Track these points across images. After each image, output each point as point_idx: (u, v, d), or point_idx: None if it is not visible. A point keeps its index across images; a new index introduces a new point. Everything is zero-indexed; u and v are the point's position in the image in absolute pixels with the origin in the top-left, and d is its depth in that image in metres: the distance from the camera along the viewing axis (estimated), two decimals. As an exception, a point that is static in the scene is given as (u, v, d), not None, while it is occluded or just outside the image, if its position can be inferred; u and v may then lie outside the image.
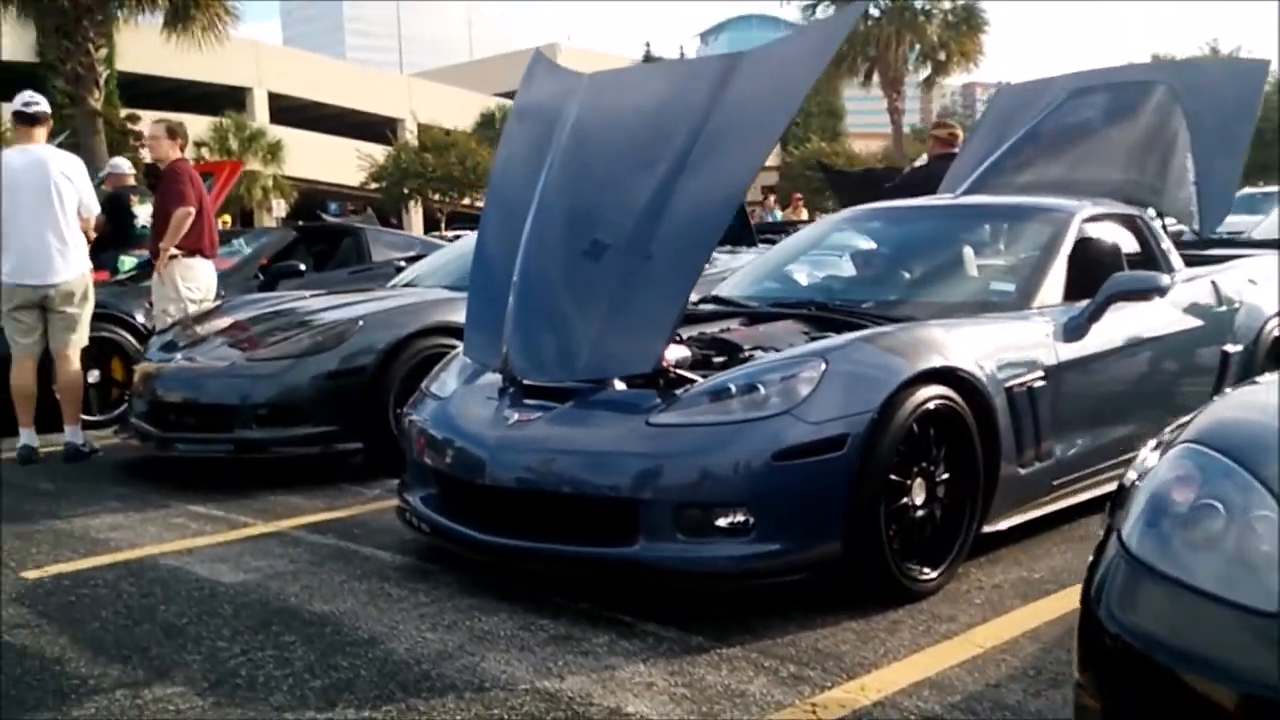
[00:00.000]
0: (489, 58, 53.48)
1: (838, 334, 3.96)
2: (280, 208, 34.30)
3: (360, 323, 5.39)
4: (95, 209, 6.29)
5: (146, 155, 10.42)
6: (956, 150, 7.43)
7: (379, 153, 37.45)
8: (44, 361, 6.17)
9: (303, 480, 5.28)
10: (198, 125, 34.11)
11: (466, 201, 36.76)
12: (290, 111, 40.54)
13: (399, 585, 3.78)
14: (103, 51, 14.73)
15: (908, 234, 5.16)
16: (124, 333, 7.20)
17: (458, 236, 13.00)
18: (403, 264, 8.31)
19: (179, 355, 5.66)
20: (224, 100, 36.92)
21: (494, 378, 4.00)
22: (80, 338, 6.15)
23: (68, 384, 6.12)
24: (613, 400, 3.60)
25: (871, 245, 5.22)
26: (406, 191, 35.93)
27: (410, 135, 40.18)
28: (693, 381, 3.59)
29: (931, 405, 3.49)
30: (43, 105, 6.35)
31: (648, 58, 51.85)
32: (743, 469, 3.26)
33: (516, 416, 3.64)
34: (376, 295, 6.17)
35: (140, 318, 7.36)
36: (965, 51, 37.15)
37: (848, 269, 5.41)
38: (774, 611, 3.38)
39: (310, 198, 34.92)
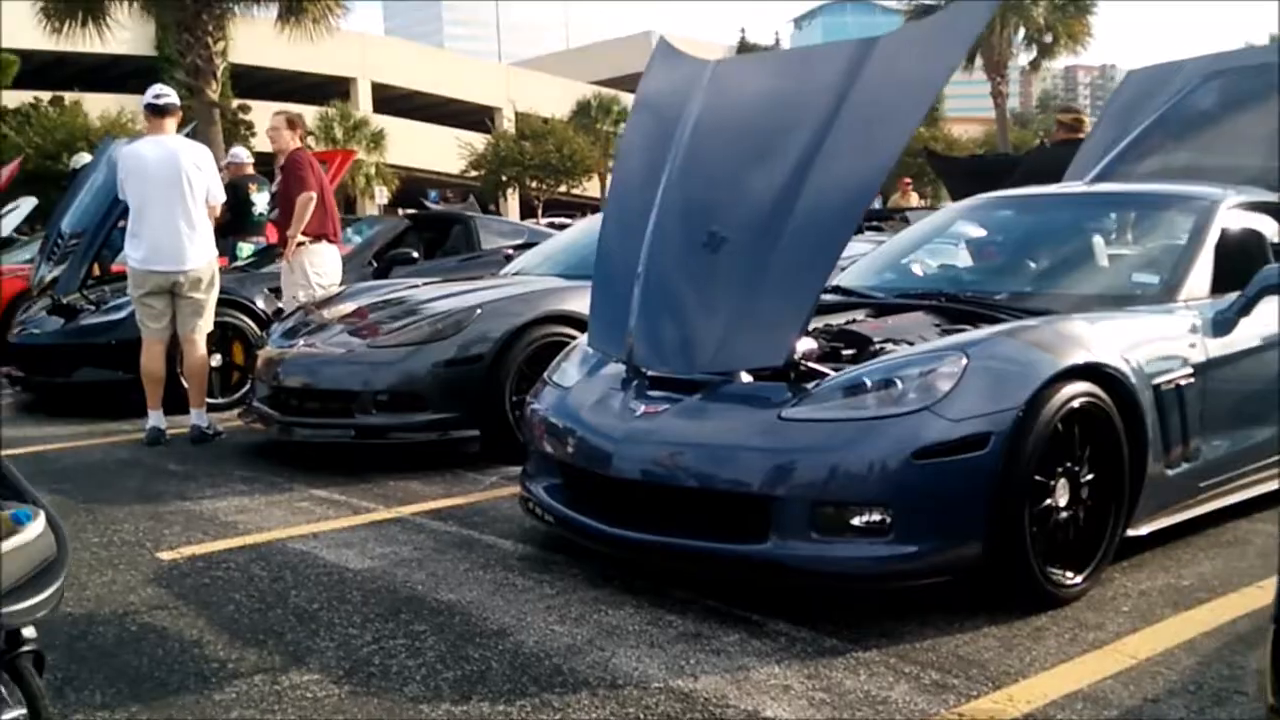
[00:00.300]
0: (585, 46, 53.66)
1: (971, 326, 3.83)
2: (382, 195, 34.93)
3: (478, 311, 5.41)
4: (222, 197, 6.44)
5: (256, 145, 10.68)
6: (1082, 136, 7.16)
7: (478, 141, 37.88)
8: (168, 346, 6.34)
9: (419, 466, 5.33)
10: (304, 115, 35.02)
11: (563, 189, 36.96)
12: (392, 101, 41.25)
13: (523, 575, 3.76)
14: (220, 45, 15.14)
15: (1041, 222, 4.97)
16: (245, 318, 7.37)
17: (557, 224, 13.05)
18: (511, 251, 8.34)
19: (300, 341, 5.75)
20: (329, 90, 37.73)
21: (617, 368, 3.96)
22: (206, 323, 6.30)
23: (194, 368, 6.27)
24: (742, 393, 3.52)
25: (1001, 234, 5.04)
26: (504, 179, 36.26)
27: (508, 123, 40.55)
28: (823, 375, 3.50)
29: (1077, 403, 3.34)
30: (172, 97, 6.51)
31: (743, 44, 51.40)
32: (880, 467, 3.16)
33: (643, 408, 3.59)
34: (492, 284, 6.19)
35: (260, 303, 7.52)
36: (1073, 34, 36.04)
37: (963, 258, 5.25)
38: (909, 614, 3.27)
39: (410, 185, 35.51)
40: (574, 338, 5.45)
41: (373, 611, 3.45)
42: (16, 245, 14.26)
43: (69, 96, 31.05)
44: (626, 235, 3.99)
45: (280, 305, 7.38)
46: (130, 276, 6.30)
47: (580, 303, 5.59)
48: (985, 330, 3.57)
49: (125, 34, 20.50)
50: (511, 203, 39.80)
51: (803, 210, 3.53)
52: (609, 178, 34.76)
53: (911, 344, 3.75)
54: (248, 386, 7.23)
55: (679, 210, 3.86)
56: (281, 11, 17.24)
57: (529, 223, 10.44)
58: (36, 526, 2.21)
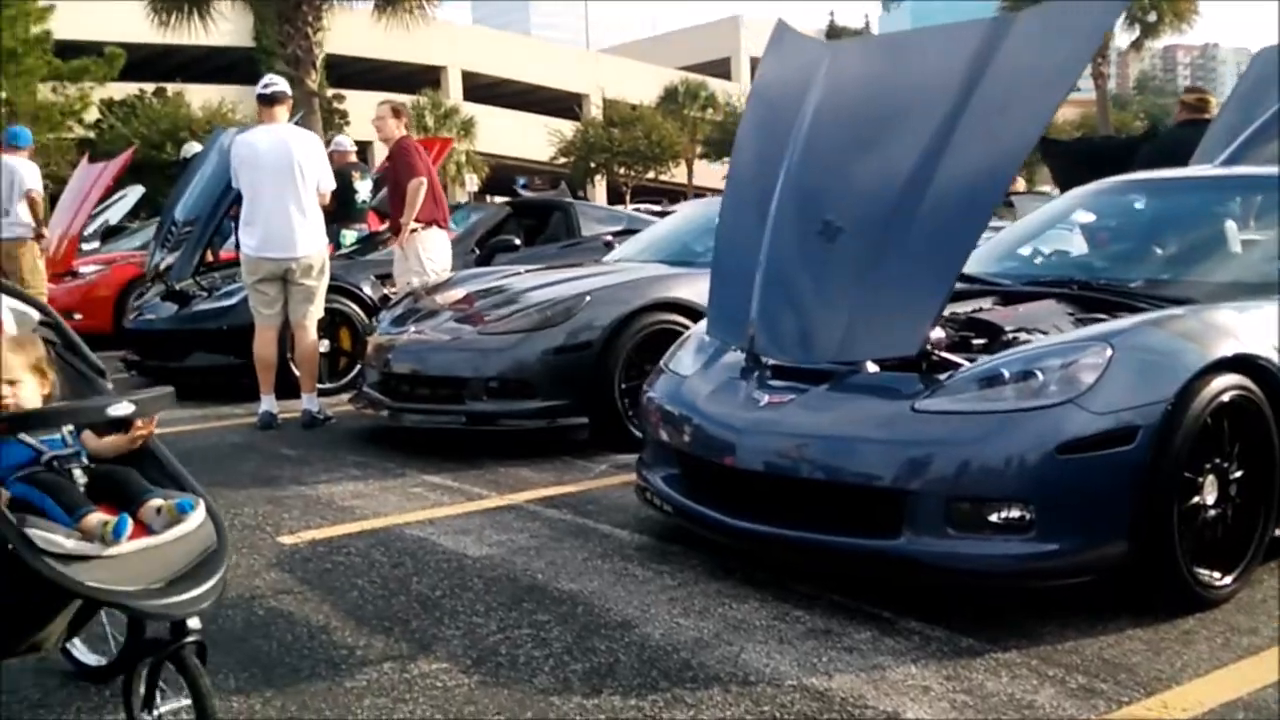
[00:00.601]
0: (671, 32, 53.45)
1: (1107, 315, 3.67)
2: (472, 183, 35.29)
3: (587, 298, 5.38)
4: (332, 185, 6.51)
5: (349, 134, 10.82)
6: (1207, 117, 6.86)
7: (567, 128, 38.03)
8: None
9: (527, 453, 5.33)
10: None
11: (650, 175, 36.91)
12: (481, 89, 41.60)
13: (643, 566, 3.72)
14: (320, 35, 15.41)
15: (1174, 207, 4.75)
16: (352, 304, 7.46)
17: (657, 211, 12.96)
18: (610, 238, 8.31)
19: (411, 328, 5.78)
20: (420, 79, 38.20)
21: (736, 357, 3.89)
22: (317, 309, 6.38)
23: (305, 354, 6.36)
24: (871, 384, 3.42)
25: (1131, 219, 4.84)
26: (593, 166, 36.35)
27: (595, 110, 40.61)
28: (955, 366, 3.38)
29: (1227, 397, 3.18)
30: (280, 86, 6.59)
31: (831, 28, 50.67)
32: (1021, 462, 3.04)
33: (767, 398, 3.51)
34: (598, 270, 6.16)
35: (367, 290, 7.61)
36: (1178, 12, 34.77)
37: (1078, 243, 5.06)
38: (1046, 614, 3.15)
39: (499, 173, 35.80)
40: (683, 325, 5.41)
41: (495, 600, 3.44)
42: (126, 233, 14.71)
43: (171, 88, 31.93)
44: (746, 223, 3.90)
45: (386, 291, 7.46)
46: (243, 263, 6.42)
47: (688, 289, 5.55)
48: (1129, 320, 3.42)
49: (225, 26, 20.96)
50: (599, 189, 39.89)
51: (934, 197, 3.41)
52: (695, 164, 34.33)
53: (1045, 334, 3.61)
54: (355, 372, 7.34)
55: (801, 197, 3.76)
56: (379, 1, 17.49)
57: (627, 209, 10.40)
58: (198, 516, 2.22)
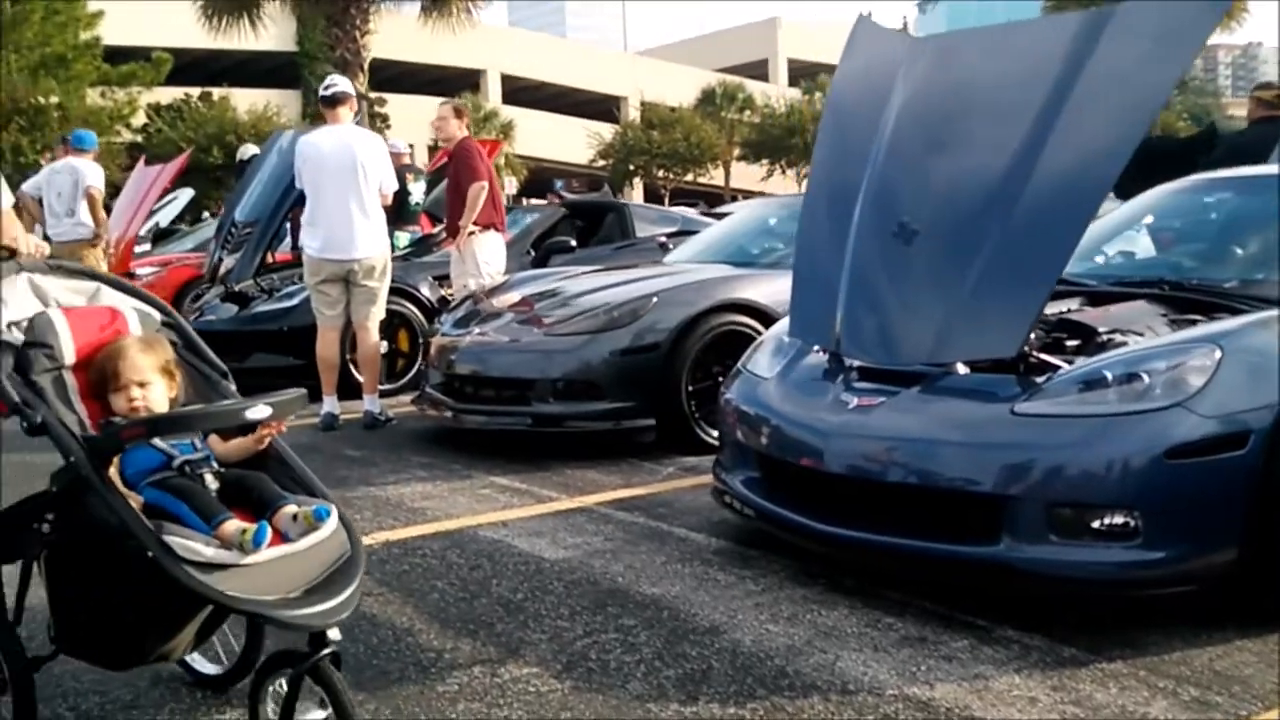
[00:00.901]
0: (709, 34, 53.31)
1: (1202, 316, 3.56)
2: (511, 185, 35.35)
3: (654, 299, 5.32)
4: (394, 187, 6.50)
5: (388, 137, 10.84)
6: (1281, 114, 6.69)
7: (606, 130, 38.04)
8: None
9: (592, 454, 5.28)
10: (435, 107, 35.65)
11: (689, 178, 36.81)
12: (520, 92, 41.71)
13: (724, 571, 3.66)
14: (367, 38, 15.49)
15: (1264, 205, 4.62)
16: (410, 306, 7.44)
17: (713, 213, 12.86)
18: (664, 239, 8.25)
19: (474, 329, 5.75)
20: (459, 82, 38.34)
21: (818, 359, 3.82)
22: (379, 310, 6.37)
23: (367, 355, 6.36)
24: (966, 387, 3.34)
25: (1216, 217, 4.71)
26: (632, 168, 36.32)
27: (634, 112, 40.60)
28: (1052, 368, 3.29)
29: (1341, 400, 3.06)
30: (342, 85, 6.58)
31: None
32: (1126, 467, 2.95)
33: (856, 401, 3.44)
34: (662, 271, 6.10)
35: (425, 291, 7.60)
36: (1230, 11, 34.16)
37: (1145, 244, 4.94)
38: (1147, 623, 3.05)
39: (538, 175, 35.84)
40: (750, 326, 5.36)
41: (578, 604, 3.39)
42: (177, 235, 14.84)
43: (217, 92, 32.25)
44: (829, 223, 3.83)
45: (444, 293, 7.44)
46: (306, 265, 6.42)
47: (754, 290, 5.49)
48: (1234, 321, 3.31)
49: (268, 30, 21.13)
50: (636, 192, 39.88)
51: (1032, 196, 3.32)
52: (733, 166, 34.04)
53: (1140, 335, 3.52)
54: (413, 373, 7.34)
55: (888, 196, 3.68)
56: (425, 5, 17.55)
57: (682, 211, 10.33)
58: (332, 523, 2.18)
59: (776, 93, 41.12)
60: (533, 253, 8.25)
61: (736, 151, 38.14)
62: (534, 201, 20.80)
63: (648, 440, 5.34)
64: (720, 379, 5.31)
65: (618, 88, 43.95)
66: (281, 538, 2.12)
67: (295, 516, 2.17)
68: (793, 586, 3.49)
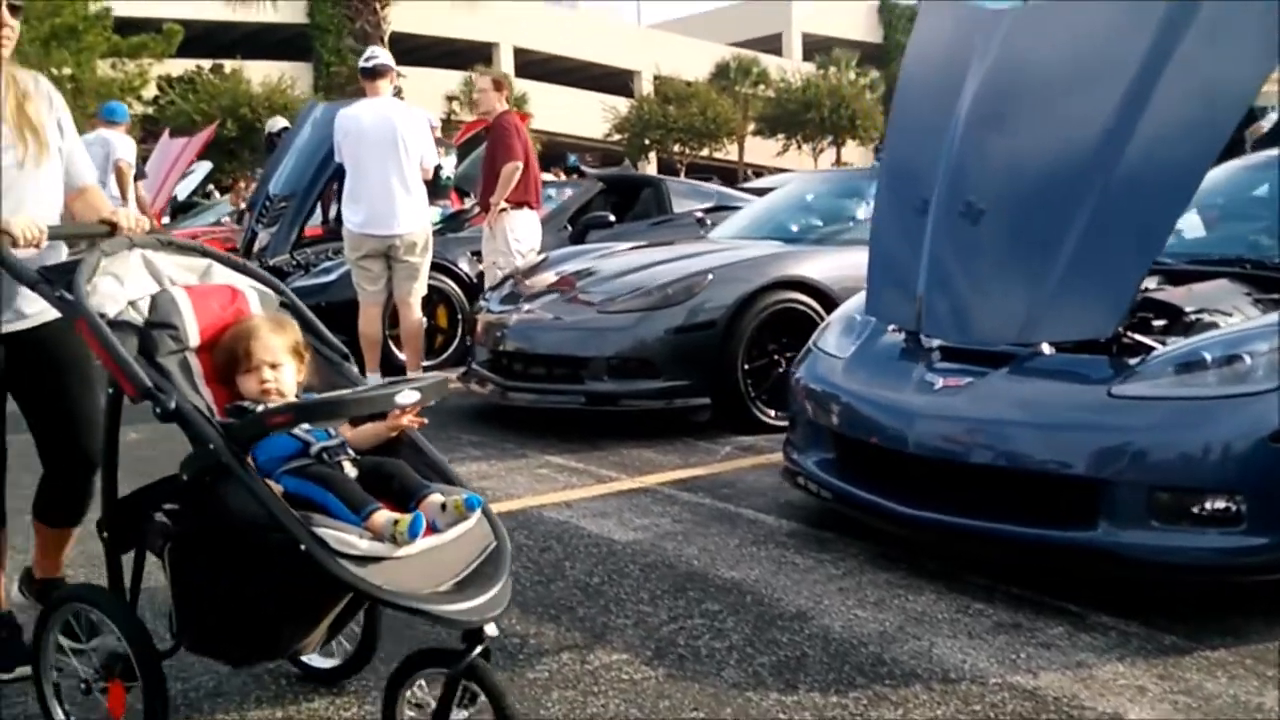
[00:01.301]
0: (723, 7, 52.73)
1: (1289, 296, 3.48)
2: (524, 160, 35.07)
3: (709, 276, 5.23)
4: (434, 161, 6.41)
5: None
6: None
7: (622, 105, 37.76)
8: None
9: (643, 433, 5.21)
10: (450, 80, 35.40)
11: (705, 153, 36.53)
12: (533, 65, 41.36)
13: (801, 554, 3.60)
14: (387, 10, 15.34)
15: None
16: (449, 281, 7.36)
17: (752, 189, 12.72)
18: (701, 215, 8.14)
19: (523, 306, 5.67)
20: (472, 56, 38.02)
21: (896, 338, 3.74)
22: (421, 286, 6.30)
23: (411, 331, 6.29)
24: (1056, 368, 3.26)
25: (1257, 194, 4.61)
26: (647, 142, 36.04)
27: (647, 85, 40.29)
28: (1145, 348, 3.21)
29: None
30: (382, 58, 6.48)
31: (884, 3, 49.72)
32: (1229, 451, 2.88)
33: (942, 382, 3.36)
34: (711, 248, 6.00)
35: (464, 266, 7.51)
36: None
37: (1193, 222, 4.83)
38: (1244, 610, 2.99)
39: (552, 149, 35.59)
40: (806, 304, 5.28)
41: (657, 587, 3.33)
42: (197, 210, 14.76)
43: (229, 64, 32.02)
44: (908, 199, 3.74)
45: (482, 268, 7.36)
46: (346, 240, 6.34)
47: (809, 267, 5.41)
48: (1337, 300, 3.23)
49: (281, 2, 20.92)
50: (651, 167, 39.63)
51: (1128, 172, 3.22)
52: (747, 141, 33.52)
53: (1227, 314, 3.43)
54: (453, 349, 7.27)
55: (972, 170, 3.58)
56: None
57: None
58: (477, 512, 2.10)
59: (792, 67, 40.70)
60: (569, 228, 8.15)
61: (751, 126, 37.82)
62: (544, 177, 20.64)
63: (701, 419, 5.27)
64: (776, 357, 5.26)
65: (631, 61, 43.56)
66: (430, 528, 2.03)
67: (444, 506, 2.07)
68: (874, 570, 3.42)
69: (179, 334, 2.28)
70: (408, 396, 2.06)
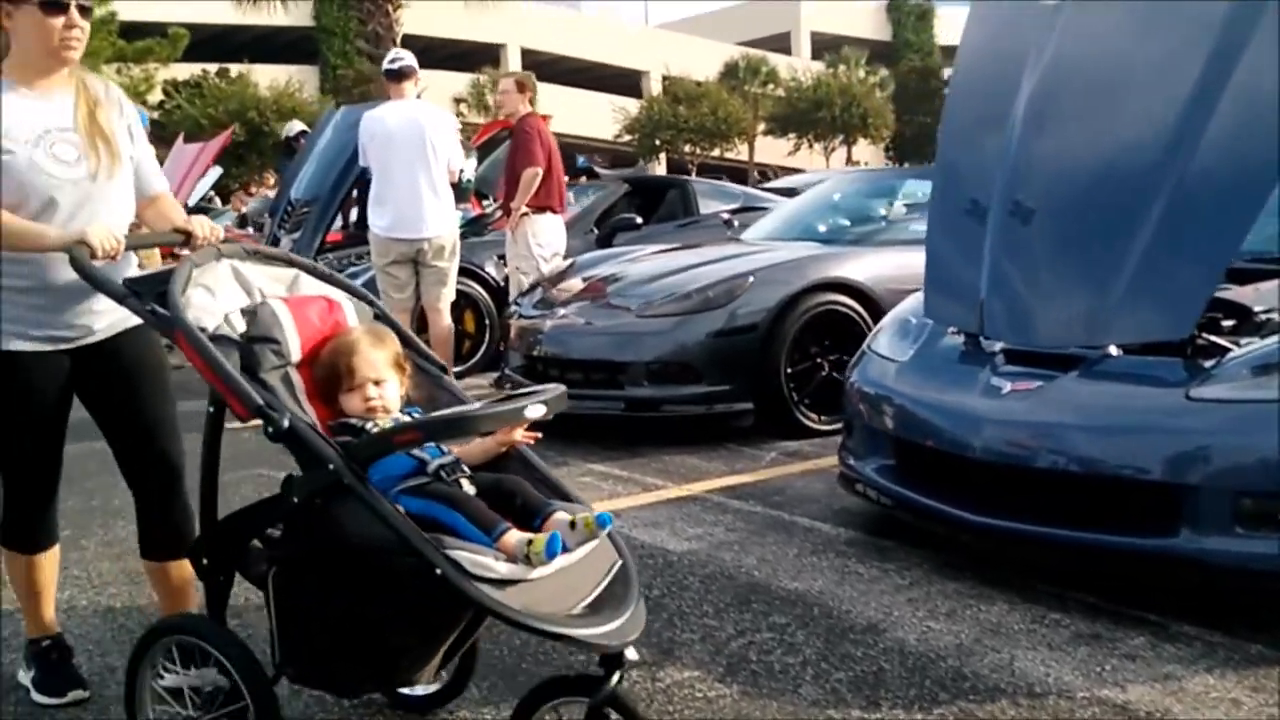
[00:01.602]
0: (730, 7, 52.61)
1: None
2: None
3: (750, 279, 5.15)
4: (462, 164, 6.34)
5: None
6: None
7: (632, 105, 37.68)
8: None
9: (683, 439, 5.13)
10: (457, 82, 35.33)
11: (716, 153, 36.42)
12: (540, 66, 41.25)
13: (863, 563, 3.51)
14: (400, 12, 15.28)
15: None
16: (476, 285, 7.28)
17: (779, 189, 12.63)
18: (728, 216, 8.06)
19: (557, 311, 5.59)
20: (480, 57, 37.98)
21: (956, 340, 3.66)
22: (450, 291, 6.22)
23: (440, 337, 6.20)
24: (1131, 371, 3.17)
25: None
26: (658, 143, 35.93)
27: (655, 86, 40.19)
28: (1220, 350, 3.12)
29: None
30: (408, 60, 6.40)
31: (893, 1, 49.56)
32: (1318, 455, 2.78)
33: (1010, 386, 3.27)
34: (748, 250, 5.91)
35: (490, 270, 7.43)
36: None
37: None
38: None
39: (562, 151, 35.47)
40: (849, 306, 5.19)
41: (720, 600, 3.25)
42: (211, 214, 14.69)
43: (235, 68, 32.00)
44: (965, 200, 3.65)
45: (508, 272, 7.28)
46: (373, 245, 6.26)
47: (851, 268, 5.32)
48: None
49: (285, 7, 20.86)
50: (660, 168, 39.54)
51: (1201, 171, 3.11)
52: (757, 140, 33.24)
53: (1298, 313, 3.34)
54: (480, 354, 7.19)
55: (1030, 170, 3.49)
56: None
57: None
58: (605, 532, 2.01)
59: (801, 66, 40.58)
60: (595, 231, 8.07)
61: (762, 126, 37.69)
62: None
63: (744, 425, 5.19)
64: (819, 361, 5.17)
65: (639, 62, 43.46)
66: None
67: (573, 524, 1.96)
68: (941, 580, 3.34)
69: (281, 348, 2.16)
70: (536, 410, 1.94)
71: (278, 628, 2.09)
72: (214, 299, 2.17)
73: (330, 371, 2.18)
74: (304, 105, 28.07)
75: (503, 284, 7.30)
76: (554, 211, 6.97)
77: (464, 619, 2.10)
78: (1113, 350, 3.28)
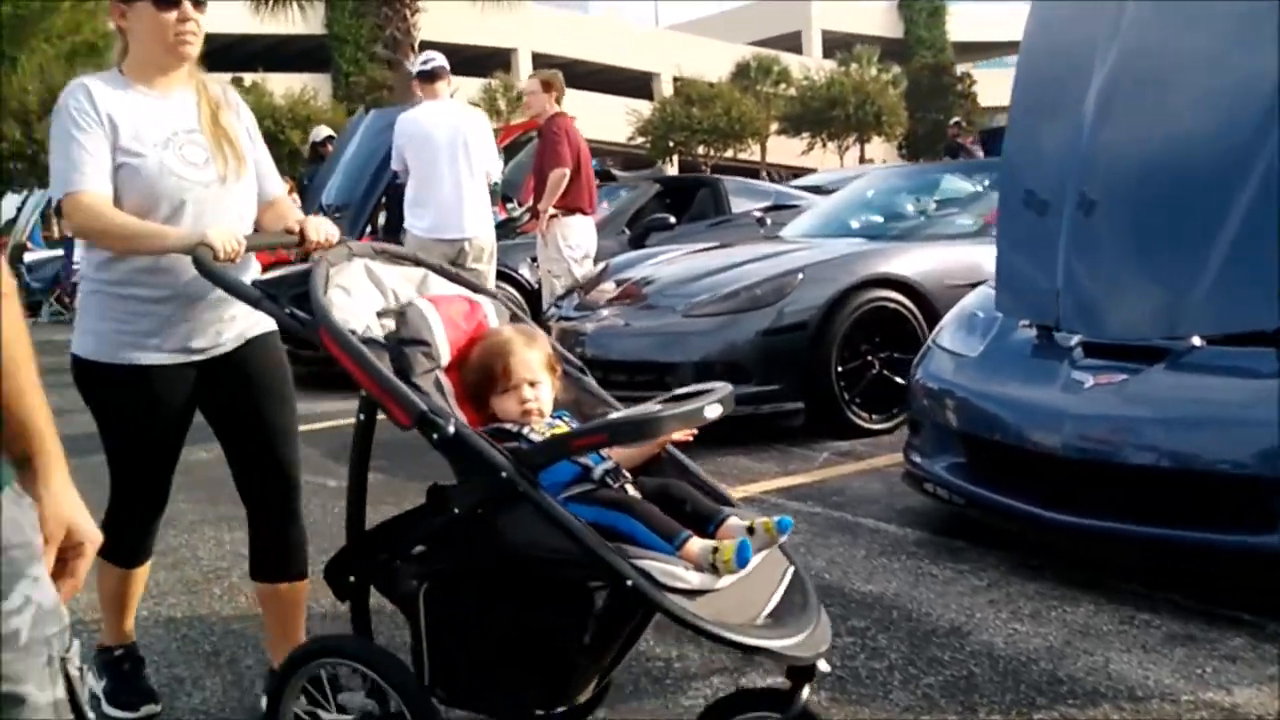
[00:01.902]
0: (740, 7, 52.53)
1: None
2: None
3: (800, 276, 5.06)
4: (499, 166, 6.27)
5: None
6: None
7: (645, 108, 37.64)
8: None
9: (732, 440, 5.02)
10: (469, 88, 35.32)
11: (729, 154, 36.34)
12: (551, 70, 41.29)
13: (935, 564, 3.42)
14: (417, 17, 15.24)
15: None
16: (511, 289, 7.21)
17: (810, 187, 12.53)
18: (759, 214, 7.98)
19: (602, 312, 5.51)
20: (491, 62, 37.99)
21: (1028, 334, 3.57)
22: (488, 294, 6.13)
23: (479, 341, 6.12)
24: (1218, 362, 3.08)
25: None
26: (671, 145, 35.86)
27: (667, 88, 40.14)
28: (1305, 339, 3.02)
29: None
30: (439, 61, 6.35)
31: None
32: None
33: (1092, 380, 3.18)
34: (790, 247, 5.81)
35: (525, 273, 7.36)
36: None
37: None
38: None
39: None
40: (899, 302, 5.10)
41: (794, 603, 3.16)
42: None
43: (249, 77, 32.07)
44: (1035, 194, 3.56)
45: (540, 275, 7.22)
46: (413, 247, 6.16)
47: (899, 264, 5.22)
48: None
49: (306, 13, 20.86)
50: (672, 170, 39.48)
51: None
52: (769, 140, 33.07)
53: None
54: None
55: (1104, 161, 3.40)
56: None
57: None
58: (784, 537, 1.90)
59: (814, 64, 40.46)
60: (628, 231, 7.99)
61: (775, 126, 37.58)
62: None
63: (794, 424, 5.09)
64: (870, 358, 5.08)
65: (650, 64, 43.41)
66: None
67: (751, 529, 1.86)
68: (1020, 580, 3.25)
69: (432, 351, 2.03)
70: (715, 409, 1.83)
71: (428, 647, 1.97)
72: (350, 300, 2.07)
73: (483, 374, 2.06)
74: (318, 112, 28.08)
75: (537, 286, 7.22)
76: (584, 213, 6.89)
77: (629, 631, 2.00)
78: (1196, 341, 3.18)
